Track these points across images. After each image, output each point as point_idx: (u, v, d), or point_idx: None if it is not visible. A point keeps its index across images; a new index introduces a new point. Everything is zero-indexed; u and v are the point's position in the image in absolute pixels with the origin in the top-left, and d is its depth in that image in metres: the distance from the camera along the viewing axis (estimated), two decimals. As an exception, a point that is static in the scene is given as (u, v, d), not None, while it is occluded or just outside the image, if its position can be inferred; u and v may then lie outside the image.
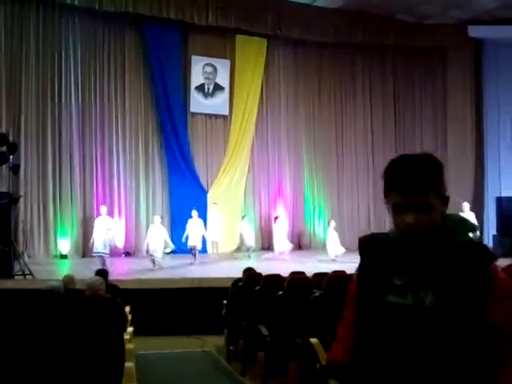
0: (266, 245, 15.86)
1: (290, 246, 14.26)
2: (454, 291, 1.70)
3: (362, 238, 1.99)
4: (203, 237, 13.56)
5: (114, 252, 14.24)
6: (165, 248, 12.24)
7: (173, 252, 14.67)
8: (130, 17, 14.53)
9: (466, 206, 13.06)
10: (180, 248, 14.23)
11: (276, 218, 15.09)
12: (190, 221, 13.26)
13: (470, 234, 1.85)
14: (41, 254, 13.73)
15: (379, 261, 1.87)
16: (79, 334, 4.77)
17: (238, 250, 14.75)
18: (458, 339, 1.68)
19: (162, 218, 13.07)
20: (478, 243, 1.82)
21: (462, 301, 1.68)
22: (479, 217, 16.72)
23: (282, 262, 13.14)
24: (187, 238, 13.13)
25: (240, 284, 6.44)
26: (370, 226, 17.42)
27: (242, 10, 15.21)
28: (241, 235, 14.56)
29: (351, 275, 4.57)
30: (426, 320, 1.71)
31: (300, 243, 16.71)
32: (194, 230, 13.05)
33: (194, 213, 13.36)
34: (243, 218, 14.88)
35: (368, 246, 1.95)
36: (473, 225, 1.89)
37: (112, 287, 6.36)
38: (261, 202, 16.56)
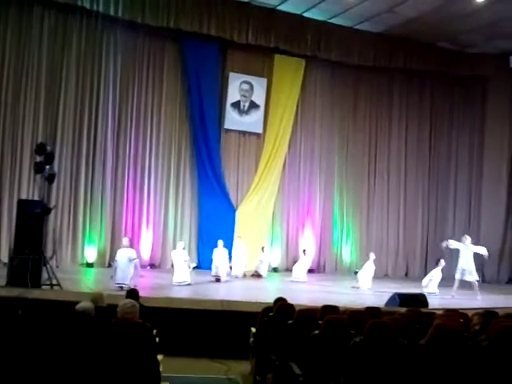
0: (291, 265, 15.64)
1: (305, 279, 14.01)
2: None
3: None
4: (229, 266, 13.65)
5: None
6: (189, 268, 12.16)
7: (197, 267, 14.71)
8: (170, 31, 14.63)
9: (468, 239, 12.80)
10: (204, 264, 14.50)
11: (304, 250, 14.91)
12: (215, 250, 13.27)
13: None
14: (68, 261, 13.81)
15: None
16: (110, 357, 4.71)
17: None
18: None
19: (184, 244, 13.02)
20: None
21: None
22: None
23: (308, 287, 13.00)
24: (212, 267, 13.18)
25: (271, 314, 6.30)
26: (398, 252, 17.18)
27: (282, 30, 15.23)
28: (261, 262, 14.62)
29: (394, 322, 4.42)
30: None
31: (325, 266, 16.52)
32: (219, 259, 13.08)
33: (220, 242, 13.41)
34: (263, 249, 14.82)
35: None
36: None
37: (141, 308, 6.27)
38: (289, 222, 16.44)
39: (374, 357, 4.02)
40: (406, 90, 17.31)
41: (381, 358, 4.02)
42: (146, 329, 5.03)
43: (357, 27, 15.76)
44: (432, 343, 4.03)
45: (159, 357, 5.04)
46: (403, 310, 7.76)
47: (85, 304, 5.46)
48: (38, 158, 10.06)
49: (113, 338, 4.79)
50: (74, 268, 13.49)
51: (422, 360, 3.98)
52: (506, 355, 3.98)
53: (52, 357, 4.70)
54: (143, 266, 14.27)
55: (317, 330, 4.88)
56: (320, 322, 5.24)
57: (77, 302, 6.94)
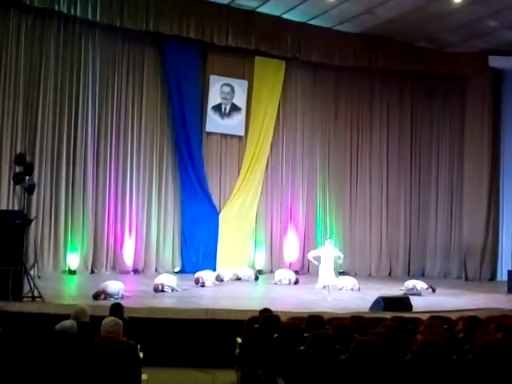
0: (276, 267, 15.66)
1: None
2: None
3: None
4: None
5: (122, 270, 14.31)
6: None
7: (181, 272, 14.69)
8: (150, 34, 14.53)
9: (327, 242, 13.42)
10: (188, 268, 14.75)
11: (296, 281, 14.17)
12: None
13: None
14: (50, 269, 13.61)
15: None
16: (93, 378, 4.66)
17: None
18: None
19: None
20: None
21: None
22: (494, 250, 16.69)
23: (292, 291, 12.99)
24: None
25: (256, 326, 6.28)
26: (381, 252, 17.25)
27: (262, 32, 15.17)
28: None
29: (379, 338, 4.42)
30: None
31: (309, 267, 16.52)
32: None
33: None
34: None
35: None
36: None
37: (125, 323, 6.19)
38: (272, 223, 16.42)
39: (360, 374, 4.02)
40: (386, 89, 17.36)
41: (367, 375, 4.02)
42: (129, 347, 4.97)
43: (336, 28, 15.78)
44: (417, 359, 4.04)
45: (143, 376, 4.99)
46: (388, 315, 7.83)
47: (65, 323, 5.38)
48: (18, 169, 9.92)
49: (96, 358, 4.74)
50: (57, 276, 13.30)
51: (408, 377, 3.99)
52: (489, 369, 4.01)
53: (34, 378, 4.64)
54: (126, 272, 14.25)
55: (302, 344, 4.87)
56: (306, 334, 5.24)
57: (59, 315, 6.86)
